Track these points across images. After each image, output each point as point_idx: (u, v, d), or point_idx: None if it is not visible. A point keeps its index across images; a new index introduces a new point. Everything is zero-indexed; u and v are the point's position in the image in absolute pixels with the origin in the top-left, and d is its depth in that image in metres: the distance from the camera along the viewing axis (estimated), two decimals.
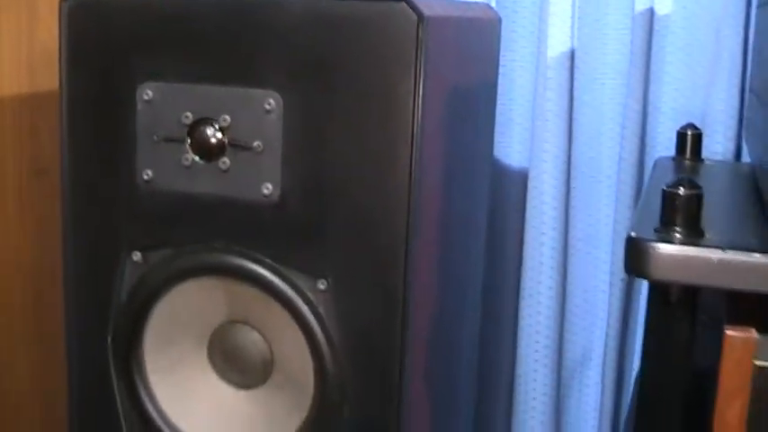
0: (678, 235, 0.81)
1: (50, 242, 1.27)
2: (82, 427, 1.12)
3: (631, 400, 1.46)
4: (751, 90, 1.20)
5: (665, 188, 0.82)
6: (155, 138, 1.01)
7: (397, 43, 0.92)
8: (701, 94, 1.35)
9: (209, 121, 0.99)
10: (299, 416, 1.02)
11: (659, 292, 0.84)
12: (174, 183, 1.02)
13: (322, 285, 0.98)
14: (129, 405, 1.07)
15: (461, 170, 1.16)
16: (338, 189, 0.96)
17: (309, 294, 0.99)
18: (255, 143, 0.98)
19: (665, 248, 0.80)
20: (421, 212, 0.98)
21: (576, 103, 1.41)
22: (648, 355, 0.88)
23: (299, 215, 0.98)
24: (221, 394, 1.07)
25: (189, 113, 1.00)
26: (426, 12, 0.92)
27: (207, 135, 0.99)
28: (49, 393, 1.44)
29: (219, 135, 0.99)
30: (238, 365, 1.06)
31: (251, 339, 1.04)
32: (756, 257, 0.78)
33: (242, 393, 1.06)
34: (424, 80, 0.93)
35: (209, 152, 0.99)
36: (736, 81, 1.31)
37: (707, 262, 0.79)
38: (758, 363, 0.79)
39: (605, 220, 1.44)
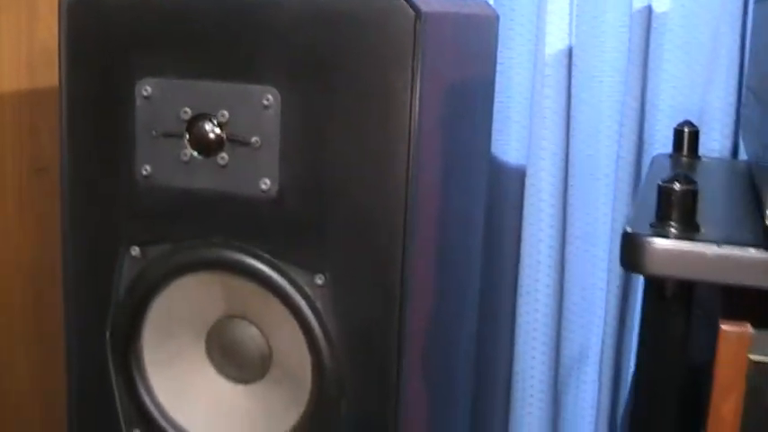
0: (673, 230, 0.81)
1: (50, 240, 1.28)
2: (81, 427, 1.12)
3: (628, 396, 1.46)
4: (748, 87, 1.21)
5: (660, 183, 0.83)
6: (153, 133, 1.02)
7: (395, 39, 0.93)
8: (698, 91, 1.36)
9: (207, 117, 0.99)
10: (296, 410, 1.02)
11: (655, 286, 0.84)
12: (173, 178, 1.02)
13: (320, 280, 0.99)
14: (127, 399, 1.07)
15: (459, 167, 1.16)
16: (336, 184, 0.97)
17: (307, 289, 0.99)
18: (253, 138, 0.98)
19: (660, 243, 0.80)
20: (418, 208, 0.98)
21: (573, 101, 1.41)
22: (644, 350, 0.88)
23: (296, 210, 0.98)
24: (219, 389, 1.07)
25: (187, 109, 1.00)
26: (424, 8, 0.92)
27: (205, 130, 1.00)
28: (49, 393, 1.44)
29: (218, 130, 1.00)
30: (236, 360, 1.06)
31: (249, 334, 1.05)
32: (751, 252, 0.79)
33: (240, 388, 1.07)
34: (421, 76, 0.94)
35: (208, 147, 1.00)
36: (734, 79, 1.32)
37: (702, 257, 0.79)
38: (753, 357, 0.80)
39: (603, 217, 1.44)
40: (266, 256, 1.00)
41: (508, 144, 1.47)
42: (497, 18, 1.30)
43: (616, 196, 1.41)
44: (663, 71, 1.36)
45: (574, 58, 1.40)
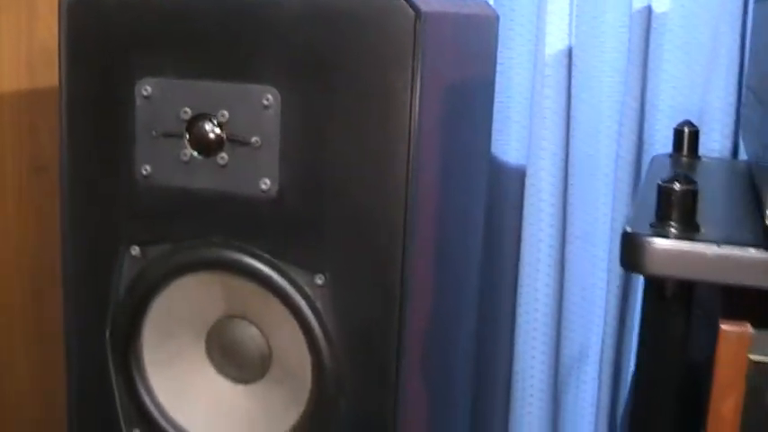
0: (673, 230, 0.81)
1: (50, 240, 1.28)
2: (81, 427, 1.12)
3: (628, 396, 1.46)
4: (748, 87, 1.21)
5: (660, 183, 0.83)
6: (153, 133, 1.02)
7: (395, 39, 0.93)
8: (698, 91, 1.36)
9: (207, 117, 1.00)
10: (296, 410, 1.03)
11: (655, 286, 0.84)
12: (173, 178, 1.02)
13: (319, 280, 0.99)
14: (126, 399, 1.07)
15: (459, 166, 1.16)
16: (335, 184, 0.97)
17: (307, 289, 0.99)
18: (253, 138, 0.98)
19: (660, 243, 0.80)
20: (418, 208, 0.98)
21: (573, 101, 1.41)
22: (644, 350, 0.88)
23: (296, 210, 0.98)
24: (219, 388, 1.07)
25: (187, 109, 1.00)
26: (424, 8, 0.92)
27: (205, 130, 1.00)
28: (49, 393, 1.44)
29: (218, 130, 1.00)
30: (236, 360, 1.06)
31: (249, 334, 1.05)
32: (751, 252, 0.79)
33: (240, 388, 1.07)
34: (421, 76, 0.94)
35: (208, 147, 1.00)
36: (734, 79, 1.32)
37: (702, 257, 0.79)
38: (753, 357, 0.80)
39: (603, 217, 1.44)
40: (266, 255, 1.00)
41: (508, 144, 1.47)
42: (497, 18, 1.30)
43: (616, 196, 1.41)
44: (663, 71, 1.36)
45: (574, 59, 1.40)
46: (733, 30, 1.31)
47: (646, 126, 1.39)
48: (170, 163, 1.02)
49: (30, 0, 1.40)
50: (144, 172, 1.03)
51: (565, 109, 1.41)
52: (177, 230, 1.03)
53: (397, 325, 0.98)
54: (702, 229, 0.82)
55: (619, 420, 1.47)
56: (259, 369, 1.05)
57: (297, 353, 1.01)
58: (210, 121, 1.00)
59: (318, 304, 0.99)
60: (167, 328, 1.06)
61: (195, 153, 1.01)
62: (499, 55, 1.35)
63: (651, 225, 0.82)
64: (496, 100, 1.38)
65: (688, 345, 0.85)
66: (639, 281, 1.40)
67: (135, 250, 1.05)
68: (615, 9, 1.38)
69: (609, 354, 1.43)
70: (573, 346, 1.47)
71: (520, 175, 1.46)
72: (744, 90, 1.30)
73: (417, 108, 0.94)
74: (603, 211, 1.44)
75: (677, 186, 0.82)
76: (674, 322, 0.84)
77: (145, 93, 1.01)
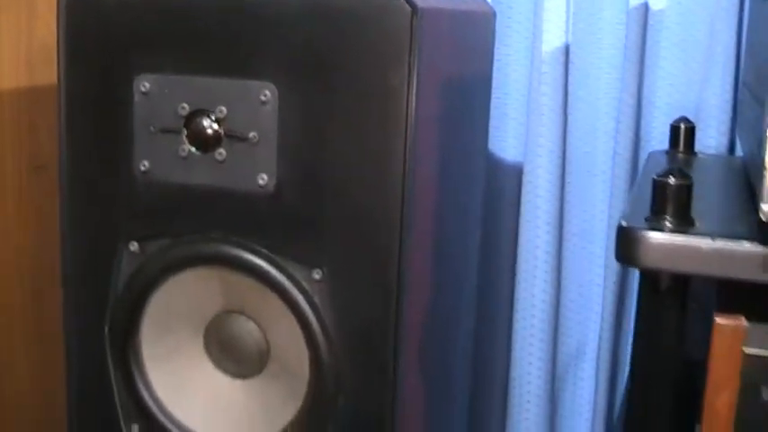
0: (668, 224, 0.82)
1: (50, 239, 1.28)
2: (81, 427, 1.12)
3: (624, 392, 1.46)
4: (744, 84, 1.21)
5: (655, 177, 0.83)
6: (151, 129, 1.02)
7: (392, 36, 0.93)
8: (695, 88, 1.36)
9: (205, 113, 1.00)
10: (294, 405, 1.03)
11: (649, 280, 0.85)
12: (171, 174, 1.02)
13: (317, 275, 0.99)
14: (125, 394, 1.08)
15: (456, 163, 1.17)
16: (333, 179, 0.97)
17: (305, 284, 0.99)
18: (251, 134, 0.99)
19: (655, 237, 0.81)
20: (415, 203, 0.98)
21: (570, 98, 1.42)
22: (639, 344, 0.89)
23: (294, 205, 0.99)
24: (217, 384, 1.07)
25: (185, 105, 1.00)
26: (421, 4, 0.93)
27: (203, 126, 1.00)
28: (49, 393, 1.44)
29: (216, 126, 1.00)
30: (234, 355, 1.06)
31: (247, 329, 1.05)
32: (746, 246, 0.79)
33: (238, 383, 1.07)
34: (418, 72, 0.94)
35: (206, 143, 1.00)
36: (730, 75, 1.32)
37: (696, 250, 0.80)
38: (748, 351, 0.80)
39: (600, 214, 1.44)
40: (264, 251, 1.00)
41: (505, 141, 1.48)
42: (494, 15, 1.31)
43: (613, 193, 1.41)
44: (659, 68, 1.36)
45: (571, 56, 1.41)
46: (729, 27, 1.31)
47: (642, 123, 1.39)
48: (168, 159, 1.02)
49: None
50: (142, 168, 1.03)
51: (562, 106, 1.42)
52: (175, 226, 1.03)
53: (394, 319, 0.98)
54: (697, 223, 0.83)
55: (615, 417, 1.47)
56: (257, 364, 1.06)
57: (295, 348, 1.01)
58: (208, 116, 1.00)
59: (316, 299, 0.99)
60: (166, 323, 1.06)
61: (193, 149, 1.01)
62: (496, 52, 1.36)
63: (646, 219, 0.83)
64: (493, 97, 1.39)
65: (683, 338, 0.86)
66: (636, 277, 1.40)
67: (133, 246, 1.05)
68: (612, 6, 1.39)
69: (606, 351, 1.43)
70: (570, 342, 1.47)
71: (517, 172, 1.47)
72: (740, 87, 1.31)
73: (414, 104, 0.94)
74: (600, 207, 1.44)
75: (672, 180, 0.82)
76: (668, 316, 0.85)
77: (143, 89, 1.02)
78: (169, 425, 1.07)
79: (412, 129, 0.95)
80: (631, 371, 0.91)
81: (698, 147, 1.30)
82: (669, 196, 0.83)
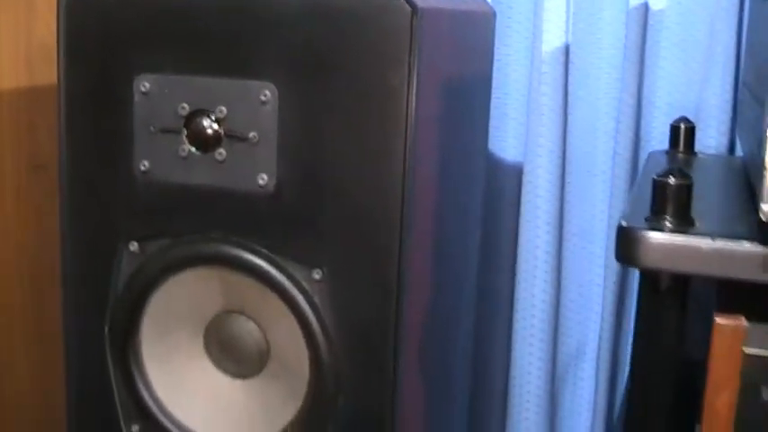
0: (668, 224, 0.82)
1: (50, 238, 1.28)
2: (81, 427, 1.12)
3: (624, 392, 1.46)
4: (744, 84, 1.21)
5: (655, 177, 0.83)
6: (151, 129, 1.02)
7: (392, 35, 0.93)
8: (695, 88, 1.36)
9: (205, 113, 1.00)
10: (294, 405, 1.03)
11: (649, 280, 0.85)
12: (171, 174, 1.02)
13: (317, 275, 0.99)
14: (125, 394, 1.08)
15: (456, 162, 1.17)
16: (333, 179, 0.97)
17: (305, 284, 0.99)
18: (251, 134, 0.99)
19: (655, 237, 0.81)
20: (415, 203, 0.98)
21: (570, 98, 1.42)
22: (639, 344, 0.89)
23: (294, 205, 0.99)
24: (217, 383, 1.07)
25: (185, 105, 1.00)
26: (421, 4, 0.93)
27: (203, 126, 1.00)
28: (49, 393, 1.44)
29: (216, 126, 1.00)
30: (234, 355, 1.06)
31: (247, 329, 1.05)
32: (746, 246, 0.79)
33: (238, 383, 1.07)
34: (418, 72, 0.94)
35: (206, 143, 1.00)
36: (730, 75, 1.32)
37: (696, 250, 0.80)
38: (748, 351, 0.80)
39: (600, 214, 1.44)
40: (264, 251, 1.00)
41: (505, 141, 1.48)
42: (494, 15, 1.31)
43: (613, 193, 1.41)
44: (659, 68, 1.36)
45: (571, 56, 1.41)
46: (729, 26, 1.31)
47: (642, 123, 1.39)
48: (168, 159, 1.02)
49: None
50: (142, 168, 1.03)
51: (562, 106, 1.42)
52: (175, 226, 1.03)
53: (394, 319, 0.98)
54: (697, 223, 0.83)
55: (615, 417, 1.47)
56: (257, 364, 1.06)
57: (294, 348, 1.01)
58: (208, 116, 1.00)
59: (316, 299, 0.99)
60: (165, 323, 1.06)
61: (193, 149, 1.01)
62: (496, 52, 1.36)
63: (646, 219, 0.83)
64: (493, 97, 1.39)
65: (683, 338, 0.86)
66: (636, 277, 1.40)
67: (133, 246, 1.05)
68: (612, 6, 1.39)
69: (606, 351, 1.43)
70: (570, 342, 1.47)
71: (517, 172, 1.47)
72: (740, 87, 1.31)
73: (414, 104, 0.94)
74: (600, 208, 1.44)
75: (672, 180, 0.82)
76: (668, 316, 0.85)
77: (143, 89, 1.02)
78: (169, 425, 1.07)
79: (412, 129, 0.95)
80: (631, 371, 0.91)
81: (698, 147, 1.30)
82: (669, 196, 0.83)
